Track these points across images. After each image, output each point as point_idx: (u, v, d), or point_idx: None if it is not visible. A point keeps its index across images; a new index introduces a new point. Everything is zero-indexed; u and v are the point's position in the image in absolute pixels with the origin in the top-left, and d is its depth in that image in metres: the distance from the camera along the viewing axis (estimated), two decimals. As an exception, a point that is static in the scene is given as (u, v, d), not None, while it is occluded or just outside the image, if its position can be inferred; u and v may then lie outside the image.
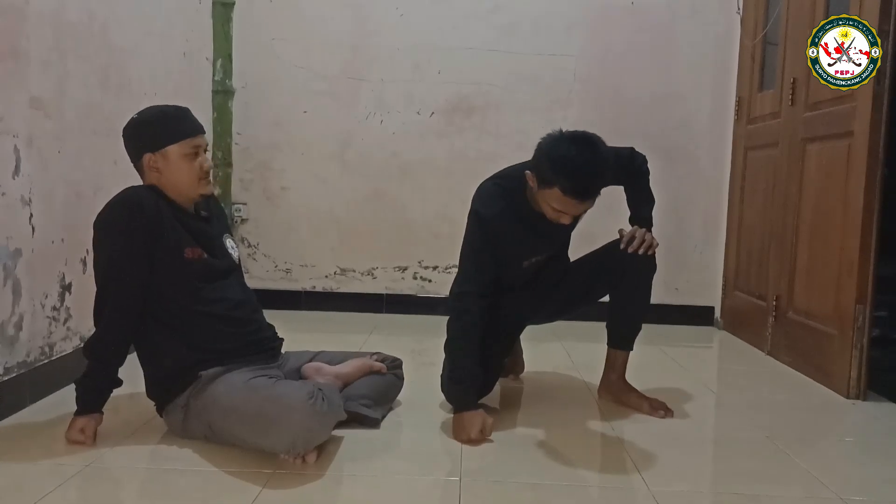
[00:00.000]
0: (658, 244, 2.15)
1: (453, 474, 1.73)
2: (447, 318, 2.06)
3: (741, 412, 2.30)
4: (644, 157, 2.28)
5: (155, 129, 1.87)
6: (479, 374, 2.03)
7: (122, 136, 1.91)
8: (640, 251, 2.11)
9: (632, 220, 2.23)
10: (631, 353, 2.29)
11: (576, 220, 2.05)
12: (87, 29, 2.37)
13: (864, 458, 2.01)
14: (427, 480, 1.71)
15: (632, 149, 2.27)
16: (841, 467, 1.91)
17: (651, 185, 2.28)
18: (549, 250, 2.21)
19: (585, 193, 1.89)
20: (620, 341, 2.28)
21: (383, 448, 1.89)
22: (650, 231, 2.17)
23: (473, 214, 2.08)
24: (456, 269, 2.13)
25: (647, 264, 2.16)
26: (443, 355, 2.09)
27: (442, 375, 2.13)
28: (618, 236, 2.18)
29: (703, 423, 2.23)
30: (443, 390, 2.14)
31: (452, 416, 2.01)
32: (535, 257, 2.18)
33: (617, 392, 2.29)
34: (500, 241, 2.06)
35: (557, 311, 2.36)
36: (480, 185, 2.15)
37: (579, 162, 1.86)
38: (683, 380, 2.64)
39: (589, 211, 2.02)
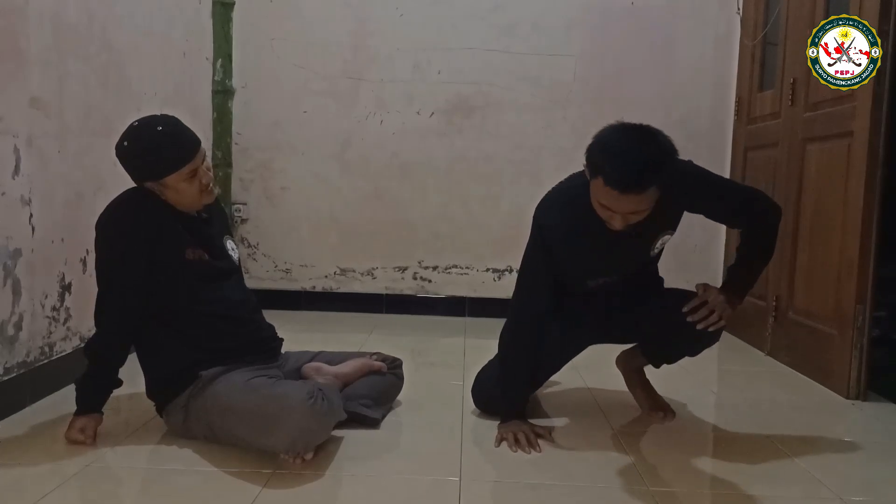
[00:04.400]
0: (727, 322, 1.86)
1: (453, 474, 1.73)
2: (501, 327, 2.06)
3: (741, 412, 2.30)
4: (772, 205, 1.97)
5: (149, 164, 1.81)
6: (526, 395, 2.06)
7: (117, 156, 1.84)
8: (700, 326, 1.83)
9: (725, 273, 2.01)
10: None
11: (651, 242, 1.92)
12: (86, 29, 2.37)
13: (864, 458, 2.01)
14: (427, 480, 1.71)
15: (756, 192, 2.00)
16: (841, 467, 1.91)
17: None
18: (620, 273, 1.99)
19: (627, 185, 1.65)
20: (652, 359, 2.22)
21: (383, 448, 1.89)
22: (731, 302, 1.85)
23: (534, 224, 1.93)
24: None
25: (706, 341, 2.01)
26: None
27: (479, 374, 2.19)
28: (695, 290, 1.89)
29: (703, 423, 2.23)
30: (480, 399, 2.17)
31: (498, 425, 2.00)
32: (603, 279, 1.99)
33: (629, 377, 2.26)
34: (561, 255, 1.90)
35: (608, 340, 2.24)
36: (548, 192, 1.97)
37: (624, 147, 1.68)
38: (683, 380, 2.63)
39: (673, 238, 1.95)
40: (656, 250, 1.99)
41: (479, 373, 2.22)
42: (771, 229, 1.96)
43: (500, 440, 1.93)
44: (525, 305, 1.98)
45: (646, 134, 1.72)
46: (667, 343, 2.11)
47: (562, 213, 1.88)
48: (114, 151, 1.85)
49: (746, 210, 1.94)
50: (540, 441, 1.94)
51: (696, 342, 2.04)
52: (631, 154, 1.66)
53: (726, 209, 1.96)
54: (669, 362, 2.21)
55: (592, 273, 1.98)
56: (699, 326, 1.83)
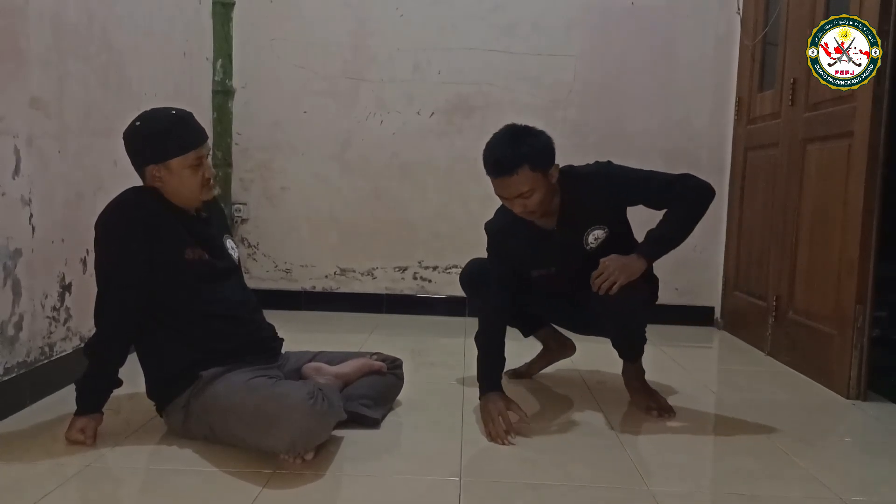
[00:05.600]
0: (623, 282, 1.95)
1: (453, 474, 1.73)
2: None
3: (741, 412, 2.29)
4: (695, 183, 2.09)
5: (158, 142, 1.84)
6: (500, 366, 2.14)
7: (123, 140, 1.88)
8: (601, 292, 1.97)
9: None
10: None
11: (579, 236, 2.12)
12: (86, 29, 2.37)
13: (864, 458, 2.01)
14: (427, 480, 1.71)
15: (683, 175, 2.12)
16: (841, 467, 1.91)
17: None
18: (555, 266, 2.20)
19: (495, 169, 1.99)
20: (624, 355, 2.29)
21: (383, 448, 1.89)
22: (631, 265, 1.98)
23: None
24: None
25: (620, 309, 2.05)
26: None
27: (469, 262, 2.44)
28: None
29: (703, 423, 2.23)
30: (464, 279, 2.42)
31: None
32: (543, 270, 2.22)
33: (629, 383, 2.30)
34: (508, 251, 2.20)
35: (580, 329, 2.45)
36: None
37: (492, 142, 2.03)
38: (683, 380, 2.64)
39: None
40: (591, 245, 2.13)
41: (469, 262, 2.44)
42: (695, 204, 2.07)
43: (483, 426, 2.01)
44: (492, 297, 2.20)
45: (515, 129, 2.04)
46: (606, 330, 2.25)
47: (499, 218, 2.22)
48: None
49: (672, 190, 2.08)
50: (540, 440, 1.94)
51: (617, 317, 2.12)
52: (494, 144, 2.02)
53: (653, 194, 2.09)
54: (622, 354, 2.27)
55: (533, 265, 2.22)
56: (601, 292, 1.98)
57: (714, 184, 3.49)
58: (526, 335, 2.51)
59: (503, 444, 1.92)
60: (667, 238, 2.07)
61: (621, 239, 2.16)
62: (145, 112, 1.89)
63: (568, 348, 2.57)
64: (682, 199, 2.07)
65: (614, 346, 2.26)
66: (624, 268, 1.98)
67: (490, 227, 2.25)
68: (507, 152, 1.98)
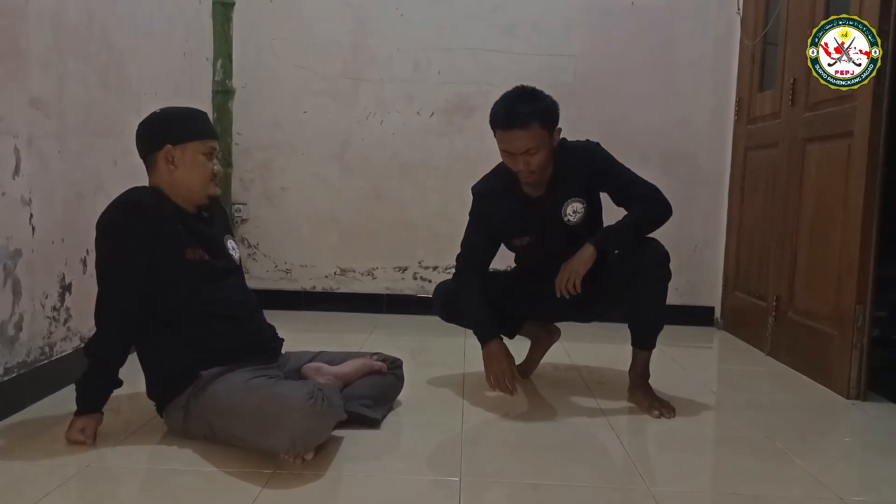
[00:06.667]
0: (583, 272, 2.11)
1: (453, 474, 1.73)
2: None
3: (741, 412, 2.30)
4: (660, 197, 2.19)
5: (180, 124, 1.92)
6: (488, 316, 2.26)
7: (140, 127, 1.93)
8: (566, 294, 2.13)
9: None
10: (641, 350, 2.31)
11: (558, 206, 2.20)
12: (86, 29, 2.37)
13: (864, 458, 2.01)
14: (427, 480, 1.71)
15: (653, 187, 2.21)
16: (841, 467, 1.91)
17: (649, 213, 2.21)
18: (534, 233, 2.27)
19: (504, 122, 2.08)
20: (633, 341, 2.31)
21: (383, 448, 1.89)
22: (582, 258, 2.12)
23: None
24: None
25: (644, 255, 2.14)
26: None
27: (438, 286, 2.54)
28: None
29: (703, 423, 2.23)
30: (437, 303, 2.50)
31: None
32: (525, 237, 2.29)
33: (633, 381, 2.30)
34: (491, 216, 2.29)
35: (568, 314, 2.46)
36: None
37: (502, 98, 2.14)
38: (683, 380, 2.64)
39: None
40: (569, 217, 2.22)
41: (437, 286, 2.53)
42: (651, 212, 2.18)
43: (488, 378, 2.17)
44: (465, 259, 2.34)
45: (526, 89, 2.14)
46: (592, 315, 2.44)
47: (486, 180, 2.33)
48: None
49: (636, 191, 2.19)
50: (540, 440, 1.94)
51: (642, 284, 2.18)
52: (506, 99, 2.12)
53: (621, 186, 2.20)
54: (637, 334, 2.29)
55: (513, 232, 2.30)
56: (557, 294, 2.14)
57: (714, 184, 3.61)
58: (512, 336, 2.49)
59: (509, 393, 2.12)
60: (616, 233, 2.18)
61: (596, 221, 2.28)
62: (168, 106, 1.97)
63: (554, 334, 2.61)
64: (642, 202, 2.18)
65: (630, 324, 2.28)
66: (577, 262, 2.12)
67: (478, 189, 2.34)
68: (521, 106, 2.08)
